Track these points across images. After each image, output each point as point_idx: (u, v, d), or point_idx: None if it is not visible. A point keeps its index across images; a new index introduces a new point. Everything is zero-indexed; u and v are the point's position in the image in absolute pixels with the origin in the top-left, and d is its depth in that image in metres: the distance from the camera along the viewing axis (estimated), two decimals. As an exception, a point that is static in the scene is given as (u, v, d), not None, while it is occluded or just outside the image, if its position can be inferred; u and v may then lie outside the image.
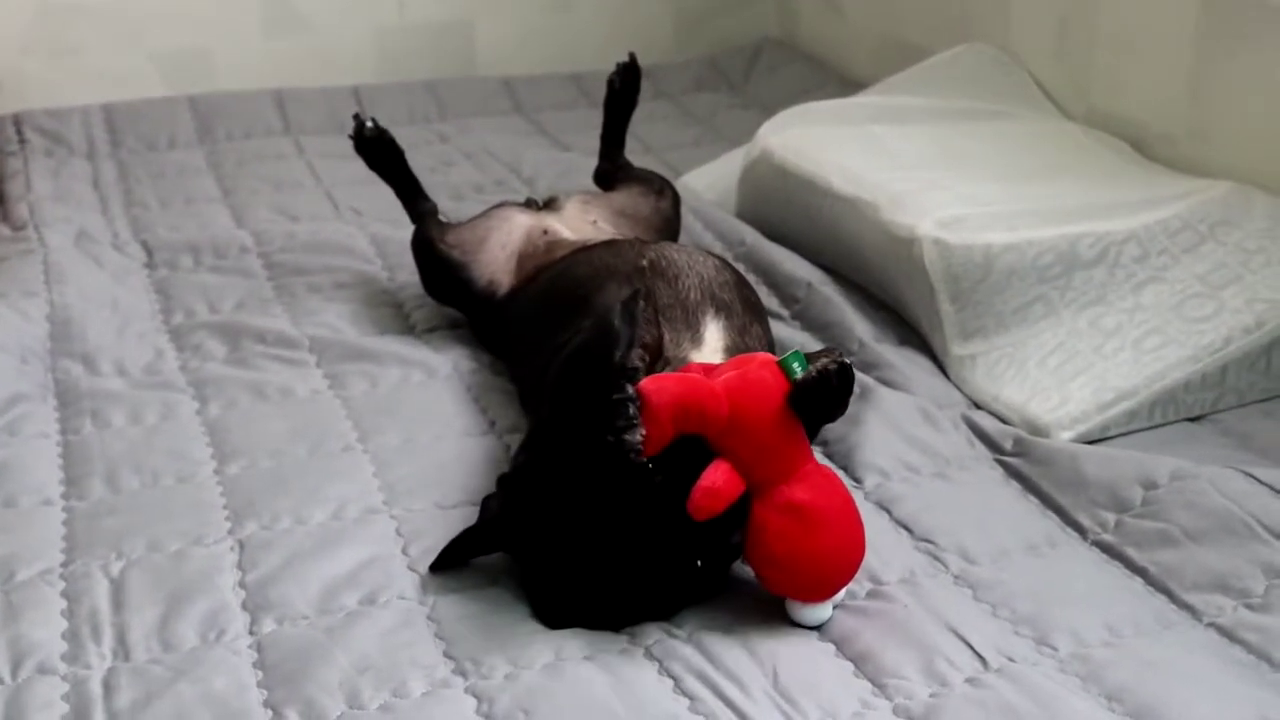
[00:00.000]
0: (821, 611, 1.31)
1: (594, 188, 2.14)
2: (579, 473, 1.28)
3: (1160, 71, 2.19)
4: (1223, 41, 2.07)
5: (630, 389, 1.24)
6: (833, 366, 1.28)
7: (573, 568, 1.30)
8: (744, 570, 1.39)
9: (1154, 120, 2.21)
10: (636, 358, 1.39)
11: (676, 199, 2.08)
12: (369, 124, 2.03)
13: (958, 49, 2.57)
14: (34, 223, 2.33)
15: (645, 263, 1.61)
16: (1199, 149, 2.12)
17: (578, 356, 1.35)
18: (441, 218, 2.01)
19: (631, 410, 1.23)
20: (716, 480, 1.26)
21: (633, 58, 2.13)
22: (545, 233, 1.91)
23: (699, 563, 1.30)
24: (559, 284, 1.72)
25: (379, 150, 2.05)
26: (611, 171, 2.14)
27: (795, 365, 1.30)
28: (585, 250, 1.78)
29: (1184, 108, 2.15)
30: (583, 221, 1.95)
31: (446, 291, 1.95)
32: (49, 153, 2.67)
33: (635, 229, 1.97)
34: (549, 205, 2.00)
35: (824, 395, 1.30)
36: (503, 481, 1.40)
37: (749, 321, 1.58)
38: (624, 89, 2.13)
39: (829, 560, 1.29)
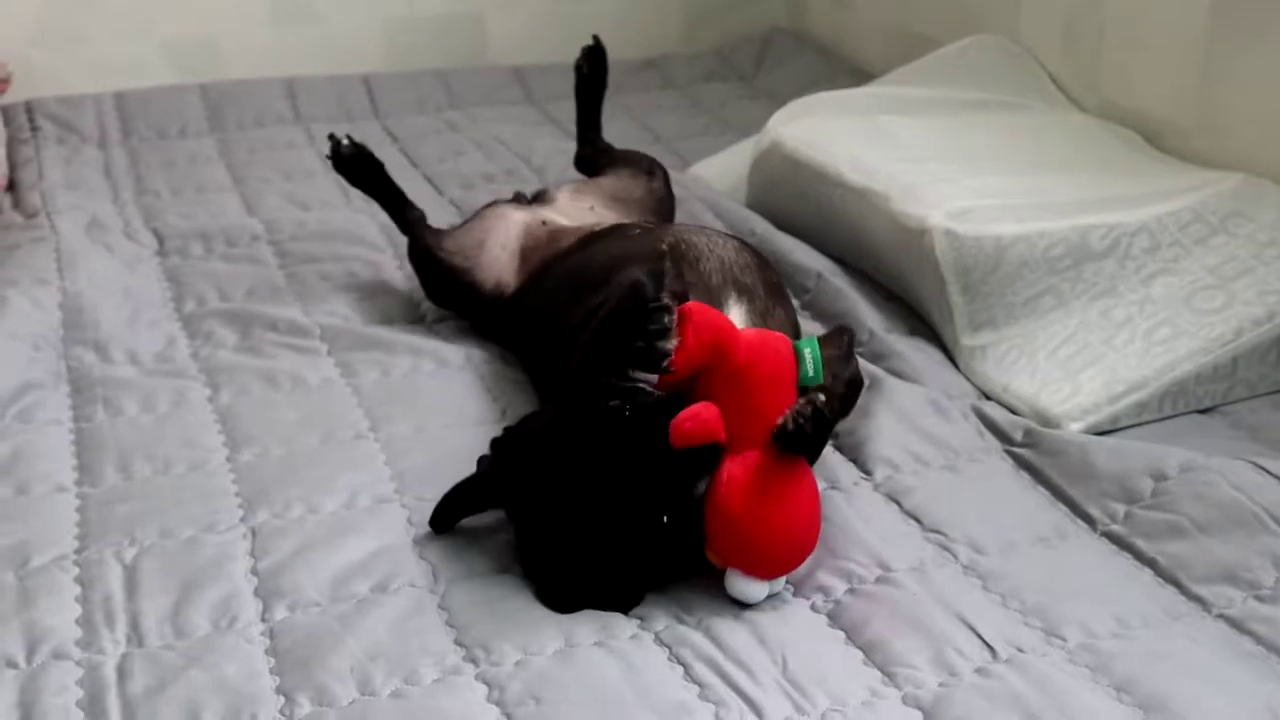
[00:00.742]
0: (758, 589, 1.31)
1: (581, 177, 2.14)
2: (576, 420, 1.31)
3: (1172, 63, 2.18)
4: (1235, 33, 2.07)
5: (669, 301, 1.28)
6: (807, 411, 1.29)
7: (556, 523, 1.31)
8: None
9: (1165, 112, 2.20)
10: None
11: (667, 178, 2.08)
12: (344, 141, 2.02)
13: (968, 40, 2.57)
14: (46, 210, 2.34)
15: (665, 246, 1.60)
16: (1210, 141, 2.12)
17: (614, 310, 1.37)
18: (442, 215, 2.01)
19: (667, 320, 1.27)
20: (701, 410, 1.27)
21: (596, 40, 2.13)
22: (544, 224, 1.91)
23: (664, 518, 1.31)
24: (578, 272, 1.70)
25: (358, 166, 2.04)
26: (593, 155, 2.14)
27: (807, 353, 1.33)
28: (597, 237, 1.78)
29: (1195, 99, 2.15)
30: (579, 209, 1.94)
31: (452, 298, 1.95)
32: (61, 141, 2.68)
33: (630, 212, 1.97)
34: (539, 198, 2.00)
35: (800, 442, 1.31)
36: (495, 441, 1.41)
37: (772, 305, 1.58)
38: (592, 72, 2.13)
39: (783, 534, 1.30)
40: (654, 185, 2.03)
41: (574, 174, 2.18)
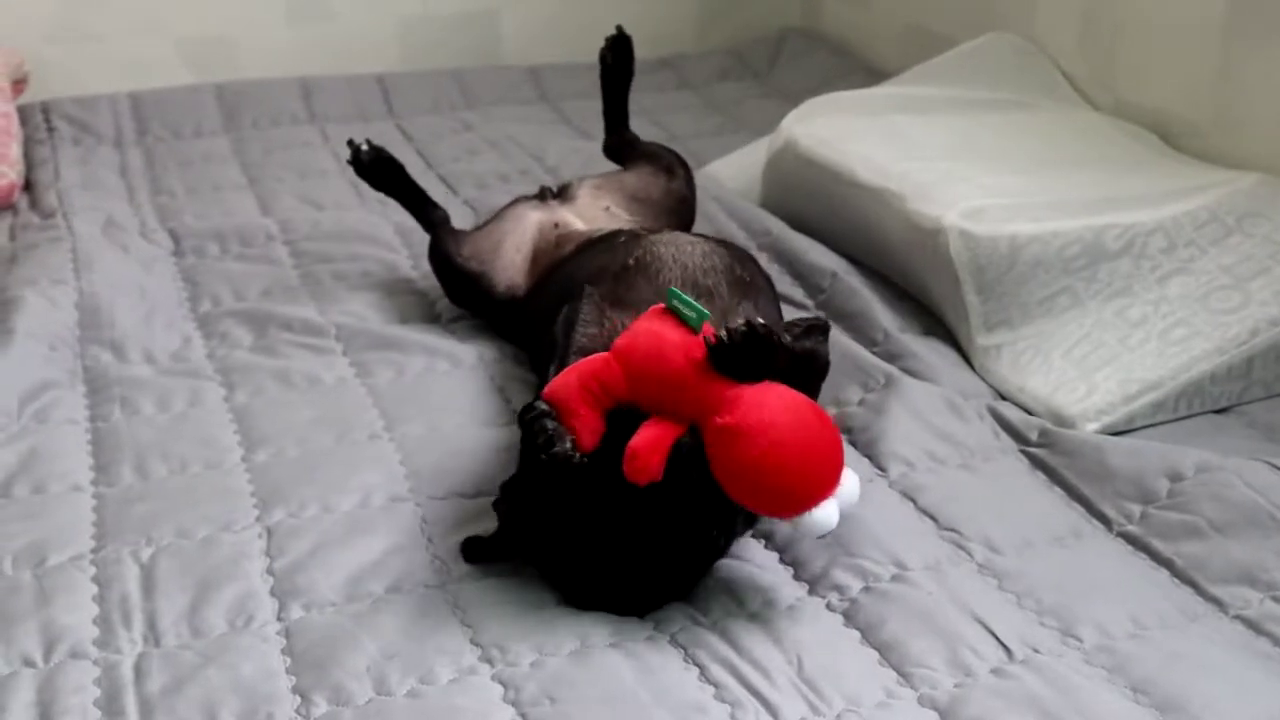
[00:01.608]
0: (820, 517, 1.27)
1: (611, 167, 2.13)
2: (539, 485, 1.31)
3: (1187, 61, 2.18)
4: (1251, 31, 2.06)
5: (541, 404, 1.28)
6: (740, 328, 1.28)
7: (579, 563, 1.31)
8: (768, 558, 1.40)
9: (1181, 111, 2.20)
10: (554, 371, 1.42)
11: (688, 176, 2.07)
12: (364, 147, 2.03)
13: (982, 39, 2.56)
14: (62, 210, 2.34)
15: (632, 261, 1.62)
16: (1226, 140, 2.11)
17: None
18: (458, 216, 2.01)
19: (549, 425, 1.27)
20: (634, 443, 1.26)
21: (620, 30, 2.12)
22: (556, 226, 1.91)
23: (714, 532, 1.31)
24: (562, 283, 1.73)
25: (379, 170, 2.05)
26: (619, 146, 2.14)
27: (675, 303, 1.32)
28: (588, 246, 1.80)
29: (1211, 98, 2.14)
30: (596, 209, 1.95)
31: (469, 300, 1.96)
32: (76, 141, 2.69)
33: (648, 212, 1.97)
34: (563, 193, 2.00)
35: (734, 355, 1.29)
36: (504, 488, 1.40)
37: (735, 302, 1.58)
38: (616, 62, 2.13)
39: (781, 468, 1.25)
40: (673, 186, 2.03)
41: (596, 168, 2.17)
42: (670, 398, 1.29)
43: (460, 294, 1.96)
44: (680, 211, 2.01)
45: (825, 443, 1.29)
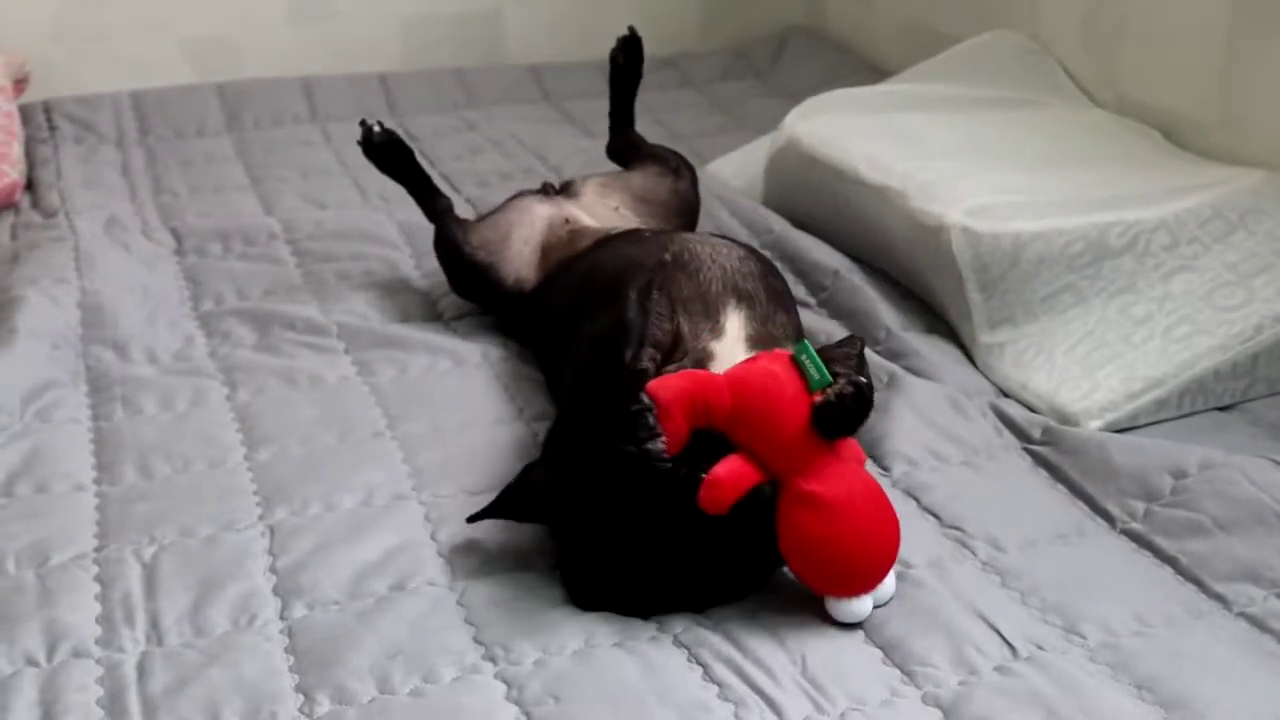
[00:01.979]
0: (856, 607, 1.29)
1: (613, 168, 2.14)
2: (609, 471, 1.29)
3: (1191, 59, 2.17)
4: (1255, 29, 2.06)
5: (645, 398, 1.26)
6: (849, 390, 1.29)
7: (609, 553, 1.31)
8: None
9: (1184, 108, 2.19)
10: (648, 358, 1.41)
11: (694, 178, 2.07)
12: (376, 128, 2.03)
13: (985, 36, 2.56)
14: (64, 210, 2.34)
15: (669, 256, 1.61)
16: (1230, 137, 2.11)
17: (594, 361, 1.36)
18: (460, 214, 2.01)
19: (650, 420, 1.25)
20: (719, 472, 1.26)
21: (633, 31, 2.12)
22: (567, 222, 1.91)
23: (736, 558, 1.31)
24: (587, 278, 1.71)
25: (389, 153, 2.05)
26: (624, 147, 2.14)
27: (804, 359, 1.31)
28: (610, 241, 1.78)
29: (1215, 96, 2.14)
30: (604, 208, 1.95)
31: (475, 292, 1.95)
32: (79, 140, 2.69)
33: (655, 213, 1.97)
34: (566, 190, 2.00)
35: (843, 418, 1.30)
36: (548, 455, 1.39)
37: (773, 310, 1.58)
38: (628, 63, 2.12)
39: (847, 552, 1.28)
40: (679, 187, 2.02)
41: (599, 167, 2.17)
42: (765, 444, 1.29)
43: (467, 285, 1.96)
44: (685, 214, 2.01)
45: (888, 539, 1.31)
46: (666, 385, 1.29)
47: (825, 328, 1.84)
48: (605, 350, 1.34)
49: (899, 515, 1.34)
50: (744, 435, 1.29)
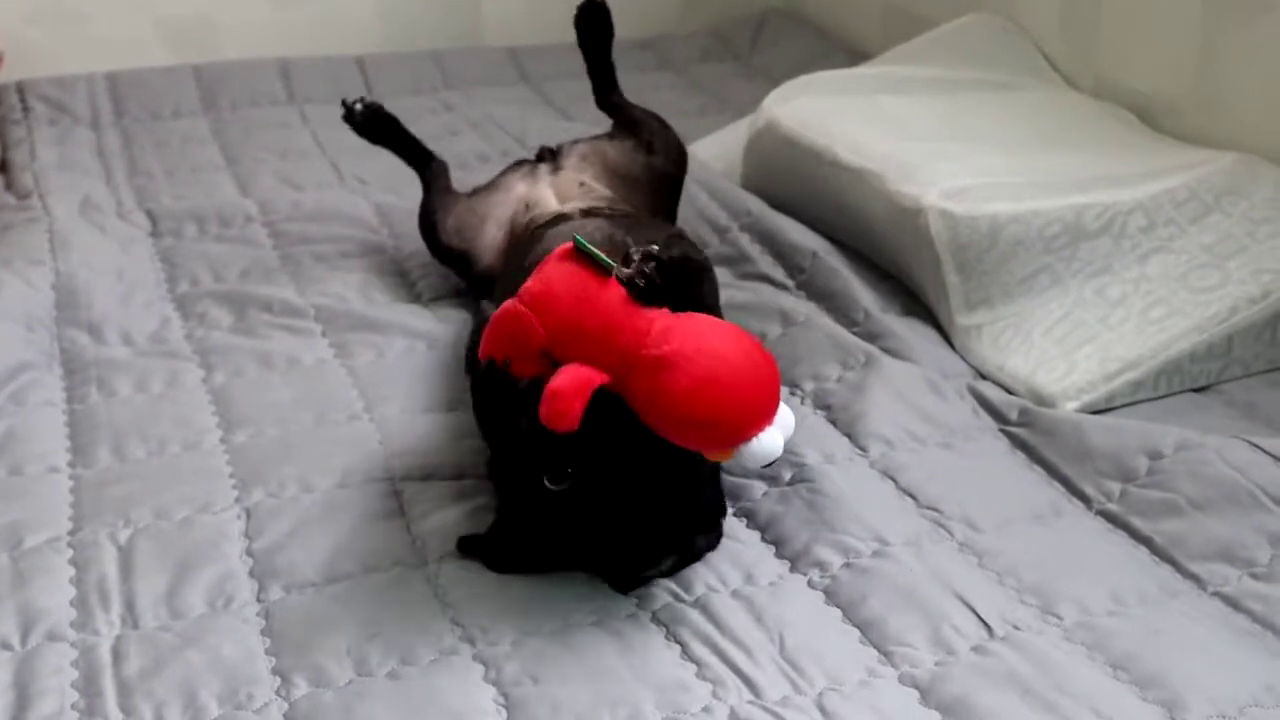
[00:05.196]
0: (766, 444, 1.22)
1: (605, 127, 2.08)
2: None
3: (1168, 42, 2.18)
4: (1231, 12, 2.06)
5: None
6: (648, 265, 1.27)
7: (566, 532, 1.30)
8: (750, 536, 1.40)
9: (1161, 91, 2.20)
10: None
11: (671, 151, 2.00)
12: (357, 105, 2.03)
13: (964, 19, 2.56)
14: (39, 191, 2.33)
15: (527, 264, 1.55)
16: (1206, 120, 2.12)
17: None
18: (452, 184, 2.01)
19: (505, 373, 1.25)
20: (555, 383, 1.19)
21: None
22: (528, 208, 1.90)
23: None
24: (504, 268, 1.75)
25: (375, 124, 2.06)
26: (609, 111, 2.08)
27: (589, 250, 1.27)
28: (522, 239, 1.81)
29: (1191, 78, 2.14)
30: (572, 184, 1.91)
31: (453, 270, 1.97)
32: (53, 121, 2.67)
33: (627, 188, 1.92)
34: (554, 157, 1.98)
35: (653, 290, 1.27)
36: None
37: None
38: (589, 26, 2.06)
39: (726, 390, 1.21)
40: (653, 161, 1.98)
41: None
42: (596, 340, 1.23)
43: (442, 259, 1.98)
44: (661, 189, 1.97)
45: (761, 369, 1.25)
46: (487, 346, 1.27)
47: (803, 309, 1.84)
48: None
49: (875, 497, 1.35)
50: (570, 343, 1.24)
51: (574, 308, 1.25)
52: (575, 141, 2.01)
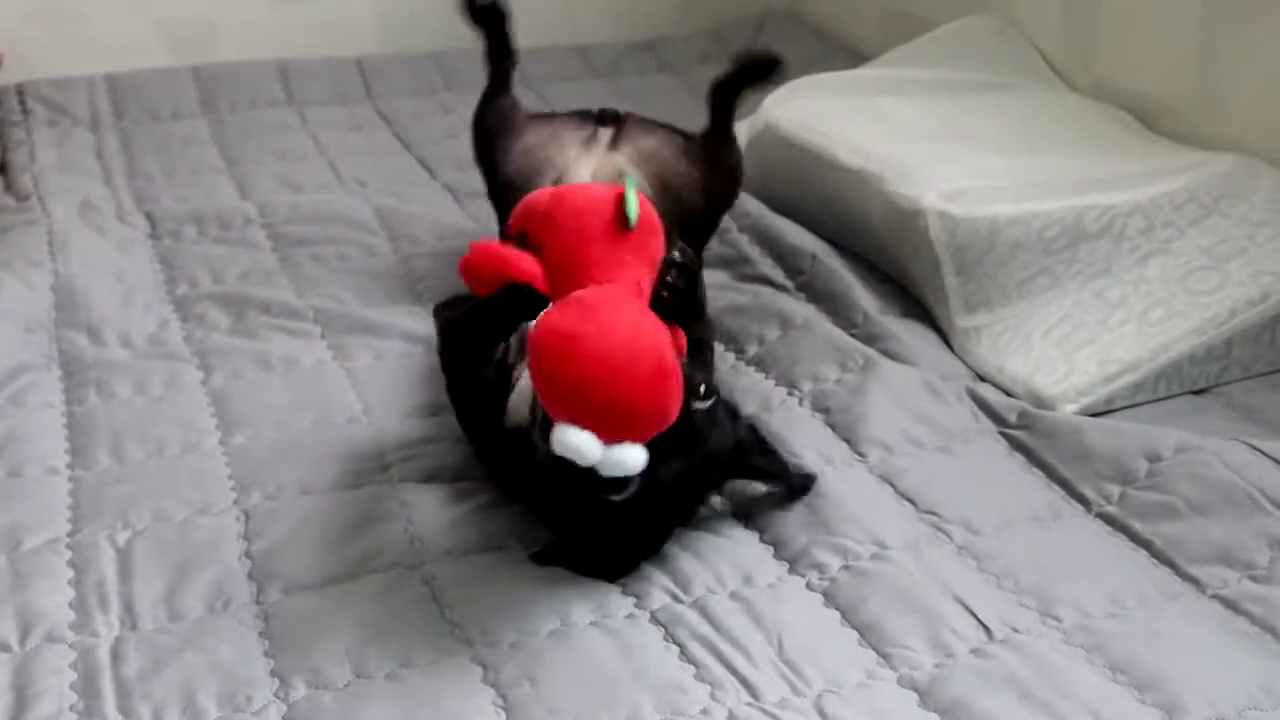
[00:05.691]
0: (572, 438, 1.16)
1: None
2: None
3: (1166, 44, 2.18)
4: (1230, 13, 2.06)
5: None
6: (671, 282, 1.32)
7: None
8: (748, 537, 1.40)
9: (1160, 93, 2.20)
10: None
11: (729, 199, 1.92)
12: None
13: (963, 21, 2.56)
14: (38, 193, 2.33)
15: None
16: (1205, 121, 2.12)
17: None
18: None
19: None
20: (477, 244, 1.29)
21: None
22: (558, 180, 1.77)
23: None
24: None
25: (488, 15, 2.01)
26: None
27: (631, 196, 1.39)
28: None
29: (1190, 80, 2.14)
30: (612, 169, 1.78)
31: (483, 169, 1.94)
32: (52, 123, 2.67)
33: (669, 202, 1.74)
34: (619, 125, 1.89)
35: (681, 309, 1.33)
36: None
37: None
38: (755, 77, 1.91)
39: (574, 358, 1.17)
40: (711, 195, 1.88)
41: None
42: (563, 254, 1.32)
43: (481, 163, 1.95)
44: (702, 223, 1.86)
45: (623, 370, 1.18)
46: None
47: (802, 311, 1.84)
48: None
49: (873, 501, 1.34)
50: (548, 243, 1.34)
51: (573, 219, 1.36)
52: (641, 122, 1.90)
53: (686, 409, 1.23)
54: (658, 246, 1.42)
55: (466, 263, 1.30)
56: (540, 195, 1.39)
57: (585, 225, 1.38)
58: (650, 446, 1.20)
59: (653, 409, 1.19)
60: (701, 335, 1.50)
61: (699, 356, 1.46)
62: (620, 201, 1.38)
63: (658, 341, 1.22)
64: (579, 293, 1.27)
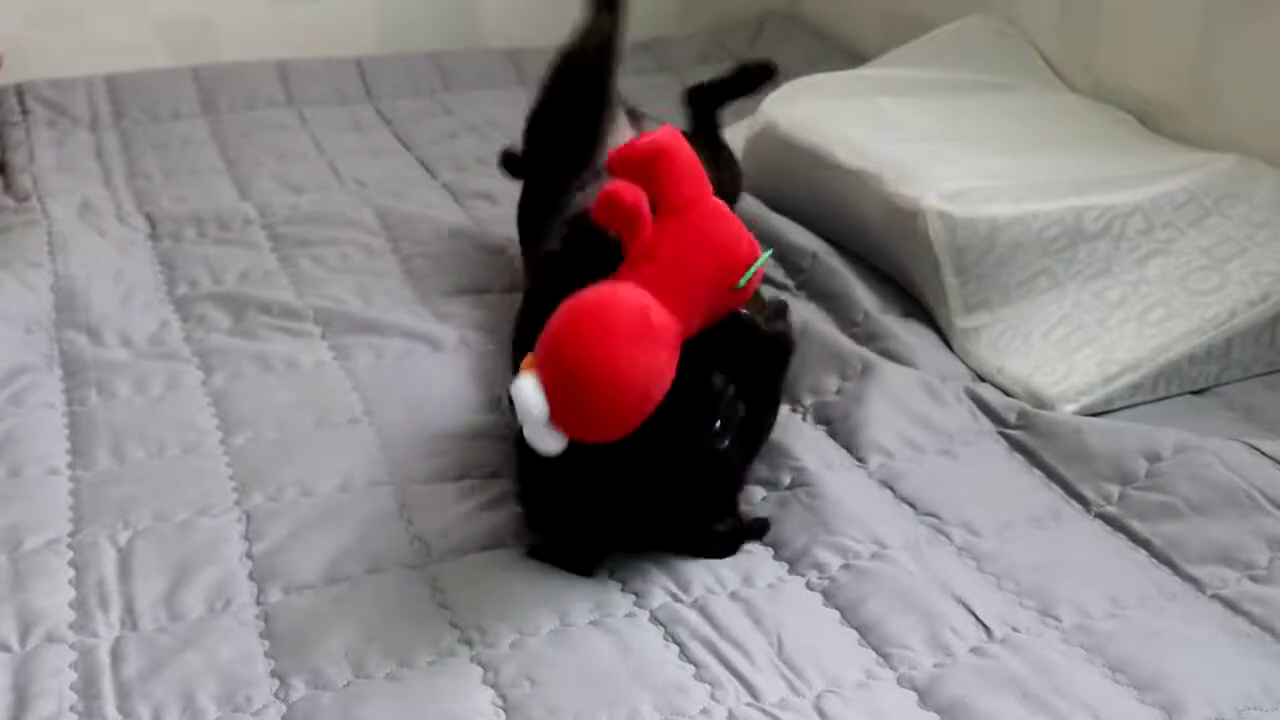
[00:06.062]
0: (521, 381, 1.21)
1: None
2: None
3: (1166, 44, 2.18)
4: (1230, 14, 2.06)
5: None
6: (777, 328, 1.33)
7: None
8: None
9: (1160, 93, 2.20)
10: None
11: (735, 191, 1.94)
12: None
13: (962, 21, 2.56)
14: (38, 194, 2.32)
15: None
16: (1205, 122, 2.12)
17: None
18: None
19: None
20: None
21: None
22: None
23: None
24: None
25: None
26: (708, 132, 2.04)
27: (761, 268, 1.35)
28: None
29: (1190, 80, 2.14)
30: None
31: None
32: (52, 124, 2.67)
33: None
34: (637, 121, 1.91)
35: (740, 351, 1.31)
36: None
37: None
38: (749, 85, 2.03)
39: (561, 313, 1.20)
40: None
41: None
42: (677, 259, 1.28)
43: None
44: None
45: (621, 377, 1.19)
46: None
47: (803, 311, 1.84)
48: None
49: (873, 505, 1.34)
50: (668, 236, 1.28)
51: (701, 239, 1.30)
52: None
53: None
54: (727, 308, 1.37)
55: (614, 190, 1.23)
56: (683, 180, 1.31)
57: (706, 248, 1.31)
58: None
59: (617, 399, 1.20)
60: (763, 420, 1.50)
61: (755, 439, 1.47)
62: (749, 261, 1.32)
63: (615, 346, 1.20)
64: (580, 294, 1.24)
